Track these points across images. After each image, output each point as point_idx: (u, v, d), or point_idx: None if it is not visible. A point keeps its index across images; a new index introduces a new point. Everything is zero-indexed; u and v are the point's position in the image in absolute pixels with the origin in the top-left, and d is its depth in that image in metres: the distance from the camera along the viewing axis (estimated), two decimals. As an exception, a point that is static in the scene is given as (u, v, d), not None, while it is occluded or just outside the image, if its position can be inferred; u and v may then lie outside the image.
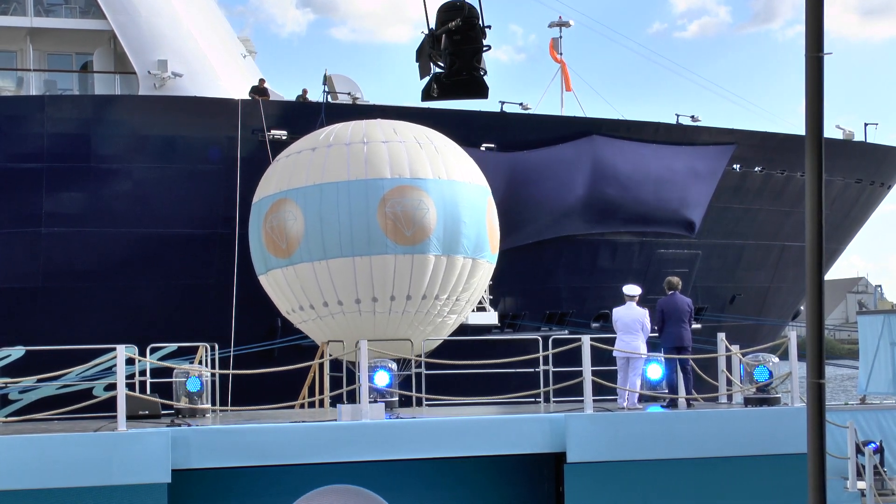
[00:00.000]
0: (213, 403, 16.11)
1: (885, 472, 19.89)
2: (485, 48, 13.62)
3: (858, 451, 19.17)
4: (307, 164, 18.02)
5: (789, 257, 35.08)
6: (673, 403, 15.77)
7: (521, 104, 30.59)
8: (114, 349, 13.69)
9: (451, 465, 14.14)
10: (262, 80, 28.73)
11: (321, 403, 17.11)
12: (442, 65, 13.83)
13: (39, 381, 16.90)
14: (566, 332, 27.17)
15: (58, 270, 25.74)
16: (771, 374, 15.25)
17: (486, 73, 13.80)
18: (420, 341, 18.03)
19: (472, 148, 27.43)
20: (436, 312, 18.09)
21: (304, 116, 26.85)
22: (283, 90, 30.72)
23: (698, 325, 18.45)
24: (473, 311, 23.13)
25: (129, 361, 14.32)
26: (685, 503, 14.17)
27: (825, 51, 7.39)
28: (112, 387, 13.68)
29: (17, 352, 21.89)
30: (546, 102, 33.11)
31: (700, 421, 14.64)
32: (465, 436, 13.93)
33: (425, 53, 14.10)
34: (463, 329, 20.84)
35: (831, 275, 65.53)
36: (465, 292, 18.35)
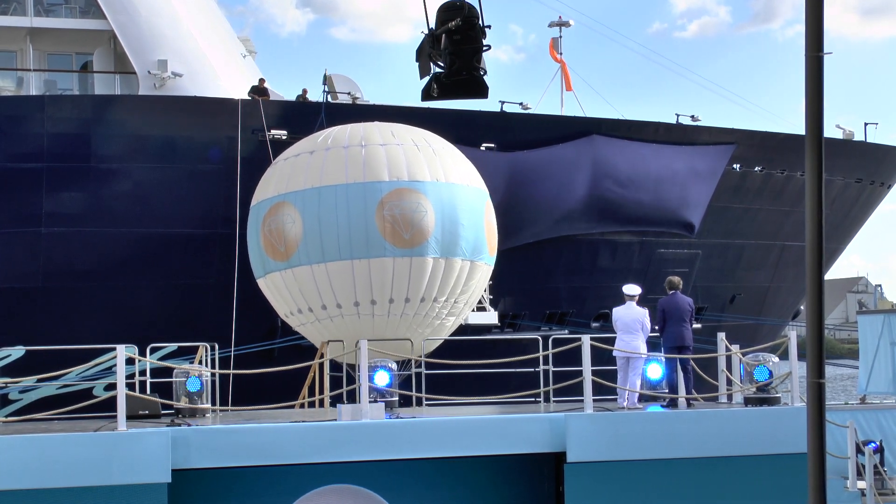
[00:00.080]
0: (214, 403, 16.11)
1: (885, 471, 19.89)
2: (485, 48, 13.62)
3: (858, 450, 19.17)
4: (305, 168, 18.03)
5: (789, 257, 35.07)
6: (673, 403, 15.76)
7: (521, 104, 30.60)
8: (114, 349, 13.69)
9: (451, 465, 14.14)
10: (262, 80, 28.72)
11: (321, 403, 17.11)
12: (442, 64, 13.82)
13: (39, 381, 16.89)
14: (566, 331, 27.16)
15: (58, 270, 25.73)
16: (771, 373, 15.25)
17: (485, 72, 13.80)
18: (420, 341, 18.04)
19: (472, 148, 27.47)
20: (434, 315, 18.11)
21: (304, 116, 26.85)
22: (283, 90, 30.75)
23: (698, 325, 18.43)
24: (473, 310, 23.12)
25: (129, 361, 14.31)
26: (685, 503, 14.17)
27: (825, 50, 7.39)
28: (112, 387, 13.68)
29: (17, 352, 21.88)
30: (546, 102, 33.15)
31: (700, 421, 14.64)
32: (465, 436, 13.93)
33: (425, 53, 14.09)
34: (463, 329, 20.84)
35: (831, 274, 65.52)
36: (463, 294, 18.37)
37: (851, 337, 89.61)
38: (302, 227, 17.62)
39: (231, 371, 20.16)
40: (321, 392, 17.19)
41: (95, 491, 12.67)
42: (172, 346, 20.08)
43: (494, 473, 14.49)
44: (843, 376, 68.50)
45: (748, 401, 15.40)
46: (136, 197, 26.16)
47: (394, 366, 15.72)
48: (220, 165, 26.24)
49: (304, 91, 28.62)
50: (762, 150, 32.90)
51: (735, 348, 16.21)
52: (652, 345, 16.80)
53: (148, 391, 16.53)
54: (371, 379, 14.82)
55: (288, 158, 18.73)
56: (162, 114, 26.41)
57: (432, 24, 13.65)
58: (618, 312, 16.28)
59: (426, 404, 16.63)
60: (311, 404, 17.33)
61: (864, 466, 18.91)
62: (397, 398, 15.56)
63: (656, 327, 16.50)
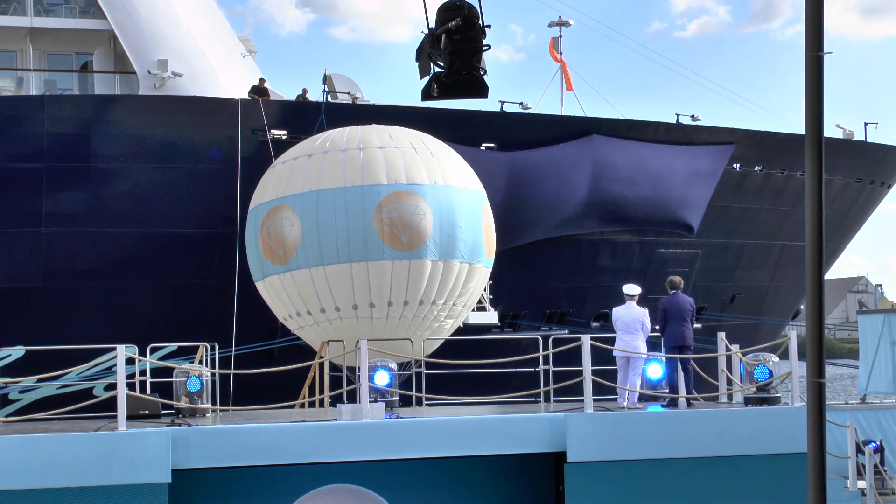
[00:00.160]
0: (214, 403, 16.11)
1: (885, 471, 19.88)
2: (485, 48, 13.61)
3: (859, 450, 19.16)
4: (303, 171, 18.05)
5: (789, 257, 35.07)
6: (673, 403, 15.76)
7: (521, 104, 30.59)
8: (114, 349, 13.69)
9: (451, 465, 14.14)
10: (262, 80, 28.72)
11: (321, 403, 17.11)
12: (442, 64, 13.81)
13: (39, 381, 16.89)
14: (566, 331, 27.17)
15: (58, 270, 25.73)
16: (771, 373, 15.25)
17: (485, 72, 13.79)
18: (420, 341, 18.04)
19: (472, 148, 27.46)
20: (433, 317, 18.13)
21: (304, 116, 26.85)
22: (283, 90, 30.72)
23: (699, 325, 18.44)
24: (473, 310, 23.13)
25: (130, 361, 14.31)
26: (685, 503, 14.17)
27: (825, 50, 7.39)
28: (112, 387, 13.68)
29: (17, 352, 21.88)
30: (546, 102, 33.13)
31: (700, 420, 14.64)
32: (465, 436, 13.93)
33: (425, 53, 14.09)
34: (463, 329, 20.85)
35: (831, 274, 65.50)
36: (461, 297, 18.40)
37: (851, 337, 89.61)
38: (300, 231, 17.65)
39: (232, 371, 20.15)
40: (321, 392, 17.19)
41: (95, 491, 12.67)
42: (172, 346, 20.08)
43: (494, 473, 14.49)
44: (843, 376, 68.50)
45: (748, 400, 15.40)
46: (136, 197, 26.16)
47: (394, 365, 15.72)
48: (220, 165, 26.23)
49: (304, 91, 28.63)
50: (762, 150, 32.89)
51: (735, 348, 16.21)
52: (652, 344, 16.80)
53: (148, 391, 16.53)
54: (371, 379, 14.82)
55: (286, 162, 18.74)
56: (162, 114, 26.41)
57: (432, 24, 13.64)
58: (618, 312, 16.28)
59: (426, 404, 16.63)
60: (311, 404, 17.33)
61: (864, 466, 18.90)
62: (397, 398, 15.56)
63: (657, 327, 16.51)
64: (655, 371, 16.00)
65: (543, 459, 14.35)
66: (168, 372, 15.92)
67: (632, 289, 16.40)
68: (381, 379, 15.31)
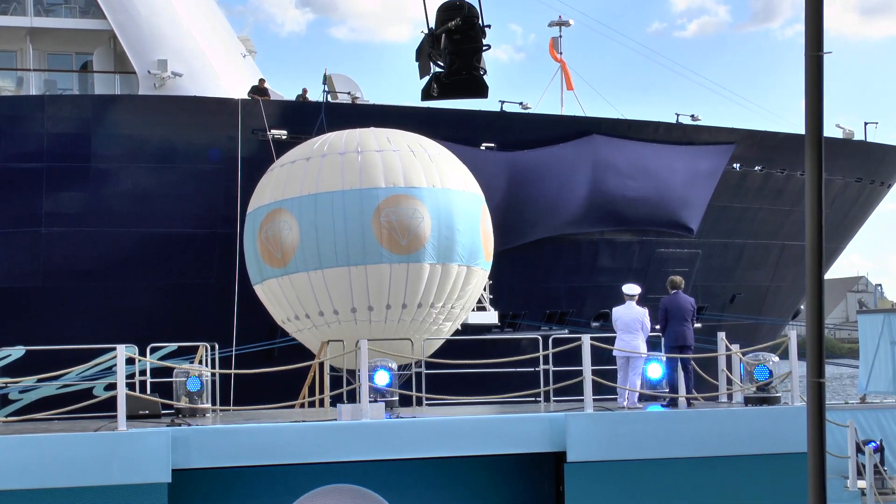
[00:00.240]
0: (214, 403, 16.12)
1: (885, 471, 19.87)
2: (484, 48, 13.60)
3: (859, 450, 19.15)
4: (301, 174, 18.07)
5: (789, 256, 35.08)
6: (673, 403, 15.77)
7: (520, 103, 30.59)
8: (114, 349, 13.69)
9: (451, 465, 14.14)
10: (262, 80, 28.72)
11: (321, 403, 17.11)
12: (442, 64, 13.80)
13: (39, 381, 16.89)
14: (566, 331, 27.17)
15: (58, 270, 25.73)
16: (771, 373, 15.25)
17: (485, 72, 13.77)
18: (420, 342, 18.05)
19: (472, 147, 27.46)
20: (431, 320, 18.16)
21: (304, 116, 26.86)
22: (283, 90, 30.73)
23: (699, 325, 18.45)
24: (473, 310, 23.14)
25: (129, 361, 14.31)
26: (685, 503, 14.17)
27: (825, 50, 7.39)
28: (112, 387, 13.68)
29: (17, 352, 21.88)
30: (546, 102, 33.13)
31: (700, 420, 14.64)
32: (465, 435, 13.93)
33: (425, 53, 14.07)
34: (463, 329, 20.85)
35: (831, 274, 65.48)
36: (460, 300, 18.44)
37: (851, 336, 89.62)
38: (299, 234, 17.67)
39: (232, 371, 20.15)
40: (321, 392, 17.19)
41: (95, 491, 12.67)
42: (172, 346, 20.08)
43: (494, 473, 14.49)
44: (843, 376, 68.50)
45: (748, 400, 15.41)
46: (136, 197, 26.16)
47: (394, 365, 15.73)
48: (220, 165, 26.24)
49: (304, 91, 28.63)
50: (762, 150, 32.90)
51: (735, 348, 16.21)
52: (652, 344, 16.81)
53: (148, 391, 16.53)
54: (371, 379, 14.82)
55: (284, 165, 18.76)
56: (162, 114, 26.41)
57: (432, 24, 13.62)
58: (618, 312, 16.28)
59: (426, 404, 16.64)
60: (311, 404, 17.33)
61: (864, 466, 18.89)
62: (397, 398, 15.56)
63: (657, 327, 16.51)
64: (655, 371, 16.00)
65: (543, 459, 14.35)
66: (168, 372, 15.92)
67: (631, 289, 16.41)
68: (381, 379, 15.31)
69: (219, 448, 13.29)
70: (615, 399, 16.19)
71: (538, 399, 17.14)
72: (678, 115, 31.90)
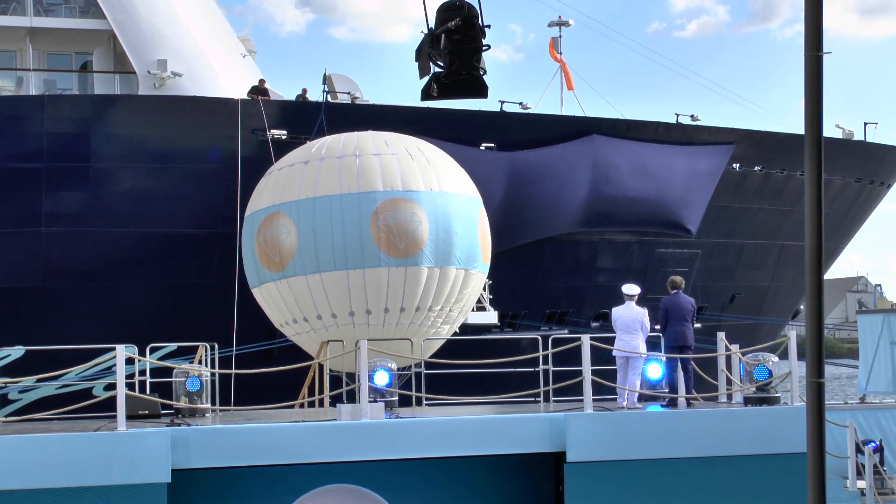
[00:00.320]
0: (214, 403, 16.12)
1: (884, 471, 19.88)
2: (484, 48, 13.60)
3: (858, 450, 19.16)
4: (300, 178, 18.09)
5: (789, 256, 35.07)
6: (673, 403, 15.77)
7: (520, 103, 30.60)
8: (113, 349, 13.69)
9: (451, 465, 14.14)
10: (262, 81, 28.72)
11: (321, 403, 17.12)
12: (441, 64, 13.80)
13: (39, 380, 16.89)
14: (566, 331, 27.17)
15: (57, 270, 25.72)
16: (770, 373, 15.25)
17: (485, 72, 13.78)
18: (420, 342, 18.05)
19: (472, 147, 27.47)
20: (429, 324, 18.19)
21: (303, 116, 26.86)
22: (283, 90, 30.73)
23: (698, 325, 18.46)
24: (473, 310, 23.15)
25: (129, 361, 14.32)
26: (685, 503, 14.17)
27: (824, 50, 7.39)
28: (112, 387, 13.68)
29: (16, 352, 21.88)
30: (546, 102, 33.13)
31: (700, 420, 14.64)
32: (465, 435, 13.93)
33: (425, 53, 14.08)
34: (463, 329, 20.86)
35: (831, 274, 65.51)
36: (458, 303, 18.46)
37: (851, 336, 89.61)
38: (297, 238, 17.70)
39: (232, 371, 20.15)
40: (321, 392, 17.19)
41: (95, 491, 12.67)
42: (172, 346, 20.08)
43: (494, 473, 14.49)
44: (843, 376, 68.50)
45: (748, 400, 15.41)
46: (135, 197, 26.16)
47: (393, 366, 15.73)
48: (220, 165, 26.23)
49: (304, 91, 28.62)
50: (762, 150, 32.90)
51: (735, 348, 16.21)
52: (652, 344, 16.81)
53: (148, 391, 16.53)
54: (371, 379, 14.82)
55: (282, 168, 18.79)
56: (162, 114, 26.41)
57: (432, 24, 13.63)
58: (617, 312, 16.28)
59: (426, 404, 16.64)
60: (311, 404, 17.33)
61: (863, 466, 18.90)
62: (397, 398, 15.56)
63: (657, 327, 16.51)
64: (655, 371, 16.00)
65: (543, 459, 14.36)
66: (168, 372, 15.92)
67: (631, 289, 16.41)
68: (381, 379, 15.31)
69: (218, 448, 13.29)
70: (615, 399, 16.19)
71: (538, 399, 17.14)
72: (678, 115, 31.93)
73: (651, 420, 14.60)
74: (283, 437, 13.51)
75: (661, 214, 31.19)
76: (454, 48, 13.42)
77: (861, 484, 18.97)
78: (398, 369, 16.10)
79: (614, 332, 16.26)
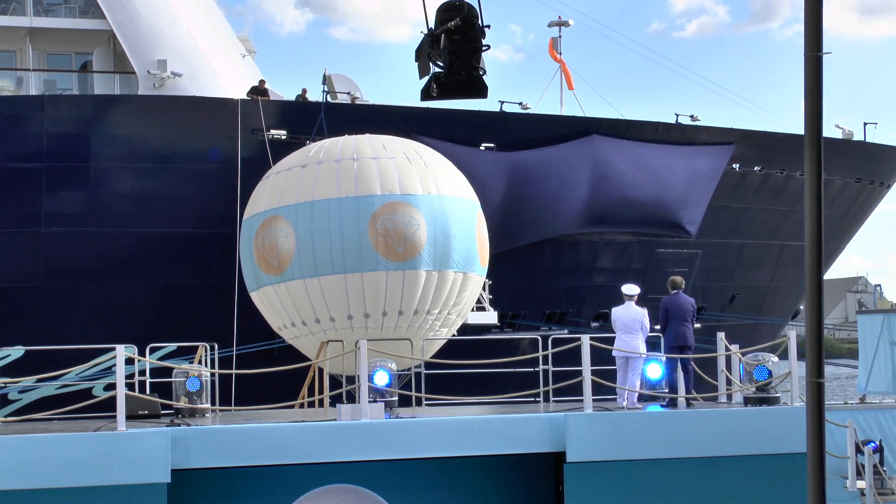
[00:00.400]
0: (214, 403, 16.12)
1: (884, 471, 19.88)
2: (484, 48, 13.60)
3: (858, 450, 19.16)
4: (297, 181, 18.11)
5: (789, 257, 35.07)
6: (672, 403, 15.77)
7: (520, 104, 30.59)
8: (113, 349, 13.69)
9: (451, 465, 14.15)
10: (262, 82, 28.72)
11: (321, 403, 17.12)
12: (441, 64, 13.80)
13: (39, 381, 16.90)
14: (566, 331, 27.16)
15: (57, 270, 25.72)
16: (770, 373, 15.25)
17: (485, 72, 13.78)
18: (419, 343, 18.06)
19: (472, 147, 27.46)
20: (427, 327, 18.21)
21: (303, 116, 26.85)
22: (283, 90, 30.73)
23: (698, 325, 18.48)
24: (473, 310, 23.16)
25: (129, 361, 14.32)
26: (685, 503, 14.17)
27: (824, 50, 7.39)
28: (112, 387, 13.68)
29: (16, 352, 21.88)
30: (545, 102, 33.13)
31: (700, 420, 14.65)
32: (464, 436, 13.93)
33: (424, 53, 14.08)
34: (463, 329, 20.87)
35: (831, 274, 65.50)
36: (456, 306, 18.49)
37: (851, 336, 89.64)
38: (295, 242, 17.71)
39: (233, 371, 20.15)
40: (321, 392, 17.19)
41: (95, 491, 12.68)
42: (172, 346, 20.08)
43: (494, 473, 14.49)
44: (843, 376, 68.50)
45: (748, 400, 15.41)
46: (135, 197, 26.15)
47: (393, 366, 15.73)
48: (220, 165, 26.23)
49: (304, 91, 28.62)
50: (761, 150, 32.90)
51: (734, 348, 16.22)
52: (651, 344, 16.81)
53: (147, 391, 16.53)
54: (371, 379, 14.82)
55: (280, 172, 18.80)
56: (161, 114, 26.40)
57: (431, 24, 13.63)
58: (617, 312, 16.29)
59: (426, 404, 16.64)
60: (311, 404, 17.33)
61: (863, 466, 18.89)
62: (397, 398, 15.57)
63: (657, 327, 16.51)
64: (655, 371, 16.00)
65: (543, 459, 14.36)
66: (167, 372, 15.93)
67: (631, 289, 16.41)
68: (381, 379, 15.32)
69: (218, 448, 13.29)
70: (615, 399, 16.20)
71: (538, 399, 17.15)
72: (678, 115, 31.93)
73: (651, 420, 14.60)
74: (283, 437, 13.51)
75: (660, 214, 31.18)
76: (454, 48, 13.42)
77: (861, 484, 18.97)
78: (398, 371, 16.11)
79: (614, 333, 16.26)
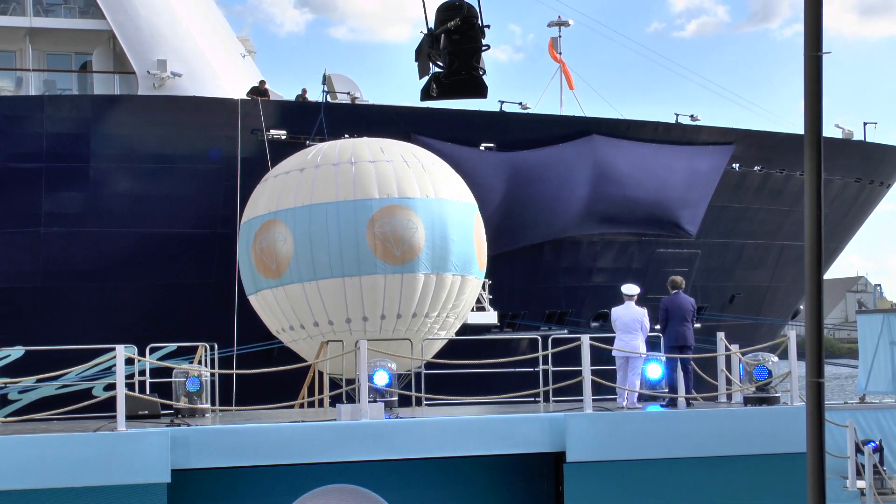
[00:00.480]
0: (214, 403, 16.12)
1: (884, 471, 19.88)
2: (484, 48, 13.61)
3: (858, 450, 19.16)
4: (295, 185, 18.11)
5: (788, 256, 35.07)
6: (672, 403, 15.77)
7: (520, 104, 30.58)
8: (113, 349, 13.70)
9: (451, 465, 14.15)
10: (262, 82, 28.71)
11: (321, 403, 17.12)
12: (441, 64, 13.81)
13: (39, 381, 16.89)
14: (565, 331, 27.16)
15: (57, 270, 25.72)
16: (770, 373, 15.25)
17: (485, 72, 13.79)
18: (419, 343, 18.06)
19: (472, 147, 27.46)
20: (426, 330, 18.21)
21: (303, 116, 26.85)
22: (283, 90, 30.72)
23: (698, 325, 18.49)
24: (473, 310, 23.17)
25: (129, 361, 14.32)
26: (685, 503, 14.18)
27: (824, 50, 7.39)
28: (112, 387, 13.69)
29: (16, 352, 21.89)
30: (545, 102, 33.12)
31: (699, 420, 14.65)
32: (464, 436, 13.94)
33: (424, 53, 14.08)
34: (462, 329, 20.87)
35: (830, 274, 65.52)
36: (454, 309, 18.50)
37: (851, 336, 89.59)
38: (293, 245, 17.72)
39: (233, 371, 20.15)
40: (321, 392, 17.19)
41: (95, 491, 12.68)
42: (172, 346, 20.09)
43: (494, 473, 14.50)
44: (843, 376, 68.50)
45: (748, 400, 15.41)
46: (135, 197, 26.15)
47: (393, 366, 15.73)
48: (220, 165, 26.23)
49: (304, 91, 28.61)
50: (761, 150, 32.90)
51: (734, 348, 16.22)
52: (651, 344, 16.81)
53: (147, 391, 16.53)
54: (370, 379, 14.83)
55: (278, 175, 18.80)
56: (161, 114, 26.40)
57: (431, 24, 13.64)
58: (617, 312, 16.30)
59: (426, 404, 16.64)
60: (311, 404, 17.33)
61: (863, 466, 18.90)
62: (396, 398, 15.57)
63: (657, 327, 16.51)
64: (654, 371, 16.01)
65: (543, 459, 14.36)
66: (168, 372, 15.93)
67: (631, 289, 16.42)
68: (381, 379, 15.32)
69: (218, 448, 13.29)
70: (615, 399, 16.20)
71: (537, 399, 17.15)
72: (678, 115, 31.92)
73: (651, 420, 14.60)
74: (283, 437, 13.52)
75: (660, 214, 31.18)
76: (454, 48, 13.43)
77: (861, 484, 18.98)
78: (398, 374, 16.11)
79: (614, 332, 16.26)
